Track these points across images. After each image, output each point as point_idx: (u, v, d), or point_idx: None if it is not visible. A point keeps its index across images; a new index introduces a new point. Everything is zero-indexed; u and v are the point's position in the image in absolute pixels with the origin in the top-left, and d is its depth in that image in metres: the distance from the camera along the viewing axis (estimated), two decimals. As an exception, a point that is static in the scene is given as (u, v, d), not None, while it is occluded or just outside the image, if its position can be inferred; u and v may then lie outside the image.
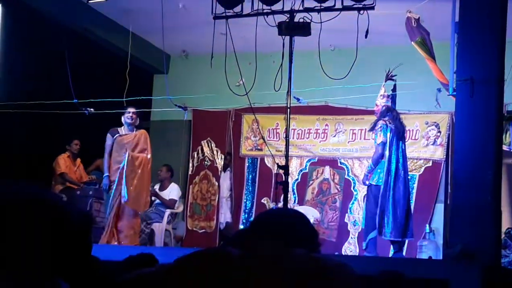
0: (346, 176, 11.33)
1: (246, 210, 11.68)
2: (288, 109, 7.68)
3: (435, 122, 10.74)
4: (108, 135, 8.72)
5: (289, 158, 7.87)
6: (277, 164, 7.88)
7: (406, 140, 8.62)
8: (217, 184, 11.93)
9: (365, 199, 8.45)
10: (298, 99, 10.02)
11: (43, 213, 1.87)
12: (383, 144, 8.00)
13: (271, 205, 11.05)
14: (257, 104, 9.70)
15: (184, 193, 11.72)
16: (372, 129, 8.25)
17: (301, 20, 7.69)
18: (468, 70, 5.88)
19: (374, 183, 8.07)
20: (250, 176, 11.90)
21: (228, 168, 11.92)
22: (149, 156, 8.71)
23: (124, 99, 9.29)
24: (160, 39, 9.22)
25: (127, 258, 3.62)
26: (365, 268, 5.30)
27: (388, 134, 7.97)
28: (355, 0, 7.43)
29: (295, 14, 7.67)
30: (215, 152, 12.08)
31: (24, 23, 9.57)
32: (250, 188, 11.86)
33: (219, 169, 11.98)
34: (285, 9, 7.69)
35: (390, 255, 8.44)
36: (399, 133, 8.06)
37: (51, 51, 9.71)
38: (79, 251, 3.14)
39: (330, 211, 11.29)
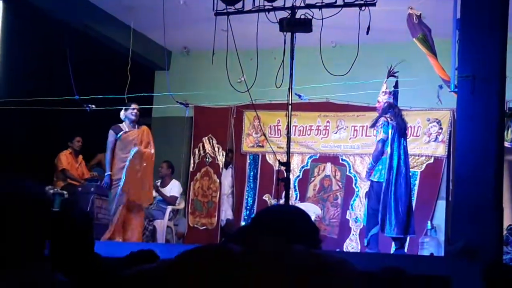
0: (347, 173, 11.33)
1: (248, 207, 11.68)
2: (290, 106, 7.68)
3: (436, 119, 10.73)
4: (111, 132, 8.62)
5: (290, 154, 7.86)
6: (279, 160, 7.85)
7: (407, 137, 8.62)
8: (218, 181, 11.93)
9: (367, 195, 8.45)
10: (299, 96, 10.02)
11: (42, 212, 1.88)
12: (383, 141, 8.00)
13: (273, 201, 11.04)
14: (258, 101, 9.68)
15: (185, 189, 11.72)
16: (374, 125, 8.26)
17: (303, 17, 7.69)
18: (470, 67, 5.88)
19: (375, 180, 8.07)
20: (252, 173, 11.90)
21: (230, 165, 11.92)
22: (152, 151, 8.74)
23: (125, 96, 9.29)
24: (161, 35, 9.22)
25: (129, 254, 3.63)
26: (366, 264, 5.30)
27: (390, 131, 7.97)
28: (357, -4, 7.43)
29: (296, 10, 7.66)
30: (216, 149, 12.08)
31: (25, 20, 9.57)
32: (251, 185, 11.86)
33: (221, 166, 11.98)
34: (286, 6, 7.68)
35: (392, 251, 8.44)
36: (401, 130, 8.06)
37: (52, 47, 9.72)
38: (79, 248, 3.15)
39: (332, 207, 11.29)
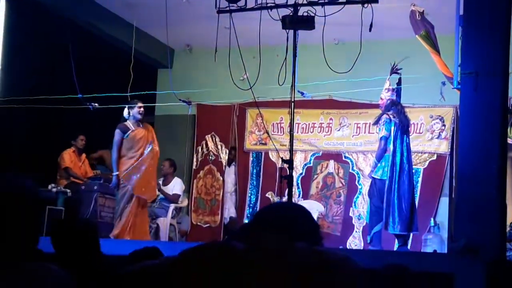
0: (350, 170, 11.32)
1: (251, 205, 11.69)
2: (292, 103, 7.67)
3: (439, 116, 10.72)
4: (118, 131, 8.52)
5: (293, 152, 7.86)
6: (282, 158, 7.86)
7: (410, 134, 8.61)
8: (221, 178, 11.93)
9: (369, 193, 8.44)
10: (302, 93, 10.01)
11: (34, 209, 1.90)
12: (386, 138, 8.00)
13: (276, 199, 11.05)
14: (261, 98, 9.69)
15: (188, 187, 11.73)
16: (376, 122, 8.25)
17: (305, 14, 7.68)
18: (473, 64, 5.87)
19: (378, 177, 8.07)
20: (255, 171, 11.90)
21: (233, 163, 11.92)
22: (157, 148, 8.76)
23: (128, 94, 9.29)
24: (164, 33, 9.21)
25: (132, 252, 3.63)
26: (369, 262, 5.30)
27: (392, 128, 7.96)
28: (359, -7, 7.42)
29: (299, 7, 7.65)
30: (219, 147, 12.08)
31: (28, 17, 9.57)
32: (254, 183, 11.86)
33: (224, 164, 11.98)
34: (289, 3, 7.68)
35: (395, 249, 8.44)
36: (404, 127, 8.05)
37: (55, 45, 9.71)
38: (84, 249, 3.16)
39: (335, 205, 11.29)
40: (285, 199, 7.74)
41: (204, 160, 12.14)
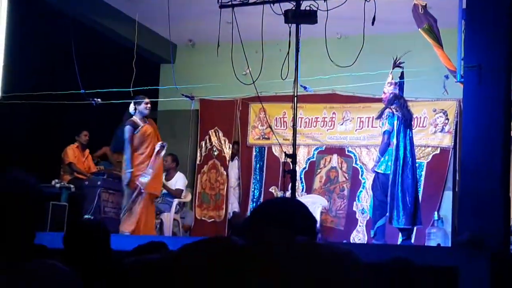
0: (353, 164, 11.32)
1: (254, 199, 11.69)
2: (295, 98, 7.66)
3: (443, 109, 10.70)
4: (130, 128, 8.38)
5: (296, 146, 7.85)
6: (285, 152, 7.85)
7: (413, 128, 8.60)
8: (225, 173, 11.94)
9: (372, 187, 8.43)
10: (305, 88, 10.00)
11: (32, 204, 1.90)
12: (389, 132, 7.99)
13: (279, 194, 11.05)
14: (264, 93, 9.67)
15: (192, 182, 11.74)
16: (379, 117, 8.24)
17: (307, 8, 7.67)
18: (476, 57, 5.86)
19: (381, 172, 8.06)
20: (258, 165, 11.90)
21: (236, 157, 11.92)
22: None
23: (131, 89, 9.29)
24: (166, 28, 9.20)
25: (137, 247, 3.63)
26: (373, 256, 5.30)
27: (395, 122, 7.95)
28: (362, -13, 7.40)
29: (301, 2, 7.64)
30: (222, 142, 12.08)
31: (30, 14, 9.57)
32: (258, 177, 11.86)
33: (227, 159, 11.99)
34: (291, -3, 7.67)
35: (399, 242, 8.44)
36: (407, 121, 8.04)
37: (57, 41, 9.70)
38: (93, 249, 3.16)
39: (338, 199, 11.29)
40: (288, 193, 7.73)
41: (207, 155, 12.15)
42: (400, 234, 8.25)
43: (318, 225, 2.09)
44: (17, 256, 1.84)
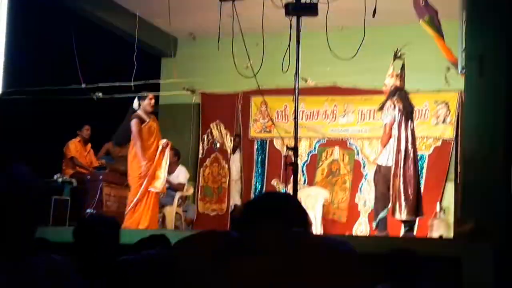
0: (355, 157, 11.32)
1: (256, 192, 11.70)
2: (296, 91, 7.65)
3: (444, 101, 10.70)
4: (137, 121, 8.35)
5: (298, 139, 7.85)
6: (286, 146, 7.84)
7: (415, 119, 8.59)
8: (227, 166, 11.95)
9: (374, 179, 8.43)
10: (306, 81, 9.99)
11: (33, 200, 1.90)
12: (391, 124, 7.98)
13: (281, 186, 11.05)
14: (265, 86, 9.65)
15: (194, 176, 11.74)
16: (381, 109, 8.23)
17: (308, 1, 7.65)
18: (477, 48, 5.85)
19: (383, 164, 8.06)
20: (260, 158, 11.91)
21: (237, 150, 11.92)
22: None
23: (132, 83, 9.28)
24: (167, 22, 9.19)
25: (139, 241, 3.63)
26: (376, 248, 5.30)
27: (396, 114, 7.94)
28: (362, -21, 7.38)
29: (302, -6, 7.62)
30: (224, 135, 12.08)
31: (31, 8, 9.56)
32: (259, 170, 11.87)
33: (229, 152, 11.99)
34: (291, -10, 7.64)
35: (401, 234, 8.44)
36: (408, 113, 8.03)
37: (58, 36, 9.71)
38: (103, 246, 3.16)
39: (340, 191, 11.29)
40: (290, 186, 7.73)
41: (210, 149, 12.16)
42: (402, 226, 8.25)
43: (309, 217, 2.11)
44: (18, 251, 1.84)
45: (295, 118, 7.69)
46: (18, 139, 9.69)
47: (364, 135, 11.26)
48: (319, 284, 1.82)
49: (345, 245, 1.91)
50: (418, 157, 8.55)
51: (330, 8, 7.56)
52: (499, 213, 5.52)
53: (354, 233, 10.75)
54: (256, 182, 11.81)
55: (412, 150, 7.92)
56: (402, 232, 8.36)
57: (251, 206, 2.09)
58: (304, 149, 11.44)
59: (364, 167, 11.19)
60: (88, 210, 8.89)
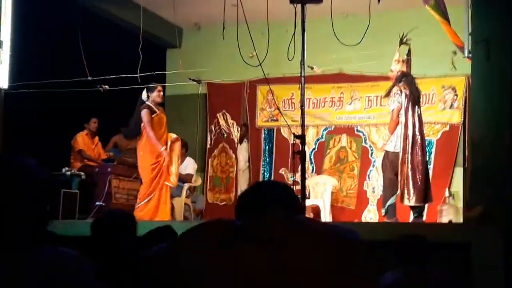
0: (363, 144, 11.31)
1: (265, 182, 11.70)
2: (303, 78, 7.62)
3: (451, 86, 10.66)
4: (147, 112, 8.33)
5: (305, 127, 7.83)
6: (294, 134, 7.82)
7: (422, 105, 8.56)
8: (234, 156, 11.96)
9: (382, 166, 8.41)
10: (312, 68, 9.96)
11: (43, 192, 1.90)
12: (398, 110, 7.96)
13: (289, 175, 11.05)
14: (271, 75, 9.63)
15: (203, 166, 11.75)
16: (387, 95, 8.20)
17: (313, -12, 7.61)
18: (483, 32, 5.82)
19: (391, 150, 8.04)
20: (267, 147, 11.91)
21: (244, 139, 11.92)
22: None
23: (138, 75, 9.27)
24: (171, 12, 9.19)
25: (148, 233, 3.64)
26: (386, 234, 5.30)
27: (403, 100, 7.91)
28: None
29: (306, -19, 7.58)
30: (230, 124, 12.08)
31: (36, 2, 9.55)
32: (267, 159, 11.87)
33: (236, 141, 11.99)
34: (296, -23, 7.60)
35: (410, 220, 8.43)
36: (415, 98, 7.99)
37: (64, 29, 9.70)
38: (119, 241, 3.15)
39: (349, 179, 11.29)
40: (298, 175, 7.72)
41: (217, 139, 12.17)
42: (411, 212, 8.24)
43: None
44: (24, 243, 1.84)
45: (301, 106, 7.66)
46: (25, 133, 9.72)
47: (371, 122, 11.24)
48: (327, 272, 1.81)
49: (353, 233, 1.91)
50: (426, 143, 8.53)
51: (334, -5, 7.52)
52: (506, 197, 5.50)
53: (363, 220, 10.75)
54: (264, 171, 11.82)
55: (419, 135, 7.89)
56: (411, 218, 8.35)
57: (251, 195, 2.09)
58: (311, 137, 11.44)
59: (372, 153, 11.18)
60: (97, 203, 8.92)
